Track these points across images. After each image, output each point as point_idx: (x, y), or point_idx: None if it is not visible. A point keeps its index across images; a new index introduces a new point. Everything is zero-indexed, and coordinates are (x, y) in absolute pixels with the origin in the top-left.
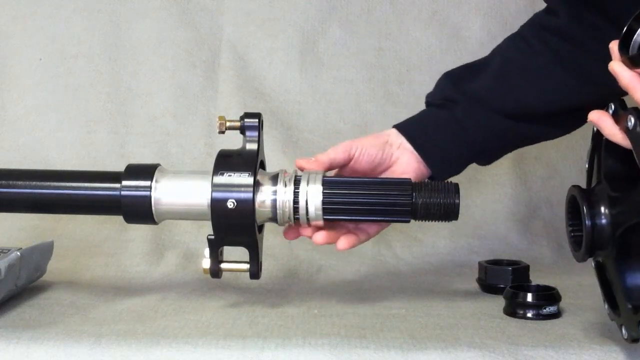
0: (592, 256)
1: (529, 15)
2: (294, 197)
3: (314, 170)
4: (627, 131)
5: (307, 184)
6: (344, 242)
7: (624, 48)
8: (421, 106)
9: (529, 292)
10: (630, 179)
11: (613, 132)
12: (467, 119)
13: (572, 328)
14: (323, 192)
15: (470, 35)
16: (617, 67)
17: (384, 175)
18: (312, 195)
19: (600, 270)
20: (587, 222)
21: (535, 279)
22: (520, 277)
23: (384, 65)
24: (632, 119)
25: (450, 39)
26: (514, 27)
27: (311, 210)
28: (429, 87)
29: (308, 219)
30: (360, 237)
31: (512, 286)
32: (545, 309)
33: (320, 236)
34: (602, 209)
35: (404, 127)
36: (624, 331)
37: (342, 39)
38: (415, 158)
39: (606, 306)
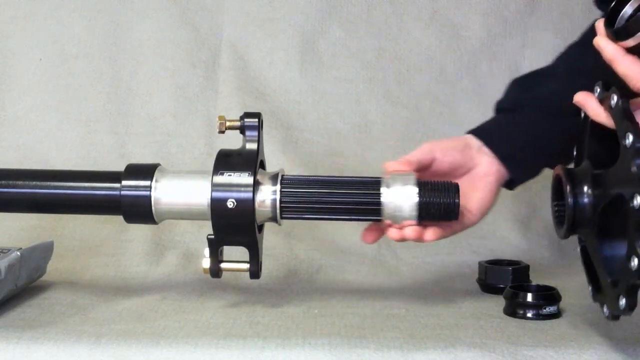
0: (574, 233)
1: (529, 15)
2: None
3: (405, 172)
4: (609, 110)
5: (400, 185)
6: (430, 233)
7: (609, 25)
8: (421, 106)
9: (529, 292)
10: (612, 158)
11: (597, 112)
12: (537, 123)
13: (572, 328)
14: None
15: (470, 35)
16: (602, 41)
17: (464, 178)
18: (408, 196)
19: (585, 253)
20: (569, 200)
21: (535, 279)
22: (520, 277)
23: (384, 65)
24: (615, 97)
25: (450, 39)
26: (514, 27)
27: (406, 209)
28: (429, 87)
29: (401, 219)
30: (446, 230)
31: (512, 286)
32: (545, 309)
33: (411, 231)
34: (585, 187)
35: (480, 132)
36: (605, 309)
37: (342, 39)
38: (496, 161)
39: (590, 288)
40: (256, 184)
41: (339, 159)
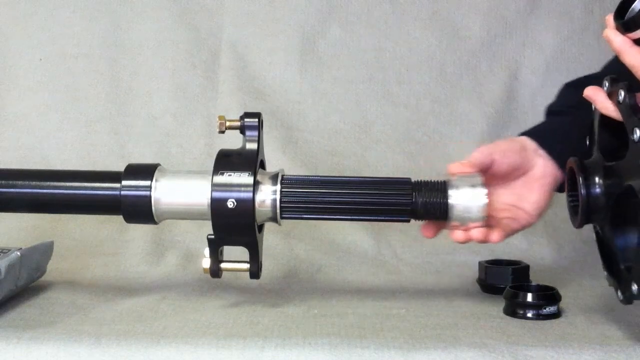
0: (588, 222)
1: (529, 15)
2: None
3: (470, 174)
4: (618, 104)
5: (468, 187)
6: (496, 235)
7: (619, 18)
8: (421, 106)
9: (529, 292)
10: (622, 149)
11: (606, 105)
12: (587, 123)
13: (572, 328)
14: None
15: (470, 35)
16: (610, 33)
17: (521, 180)
18: (476, 198)
19: (599, 238)
20: (582, 191)
21: (535, 279)
22: (520, 277)
23: (384, 65)
24: (622, 93)
25: (450, 39)
26: (514, 27)
27: (474, 211)
28: (429, 87)
29: (468, 220)
30: (507, 232)
31: (512, 286)
32: (545, 309)
33: (478, 232)
34: (597, 179)
35: (535, 134)
36: (619, 294)
37: (342, 39)
38: (552, 163)
39: (605, 273)
40: (256, 184)
41: (339, 159)
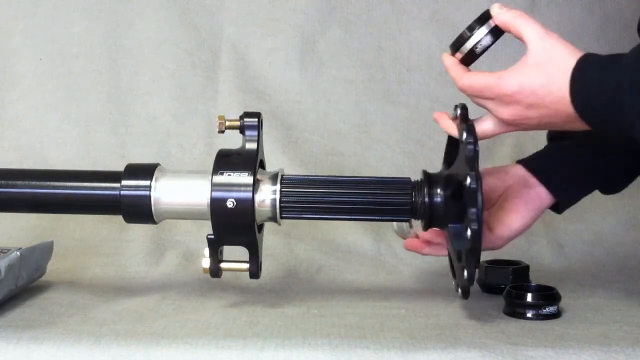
0: (432, 226)
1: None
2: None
3: None
4: (454, 120)
5: None
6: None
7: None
8: (421, 106)
9: (529, 292)
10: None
11: (448, 125)
12: (586, 148)
13: (572, 328)
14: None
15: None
16: (443, 56)
17: (498, 204)
18: None
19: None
20: (426, 199)
21: (535, 279)
22: (520, 277)
23: (384, 65)
24: (458, 109)
25: (450, 39)
26: None
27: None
28: (429, 87)
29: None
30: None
31: (512, 286)
32: (545, 309)
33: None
34: (438, 189)
35: (529, 162)
36: (459, 289)
37: (342, 39)
38: (533, 184)
39: (453, 282)
40: (256, 184)
41: (339, 158)
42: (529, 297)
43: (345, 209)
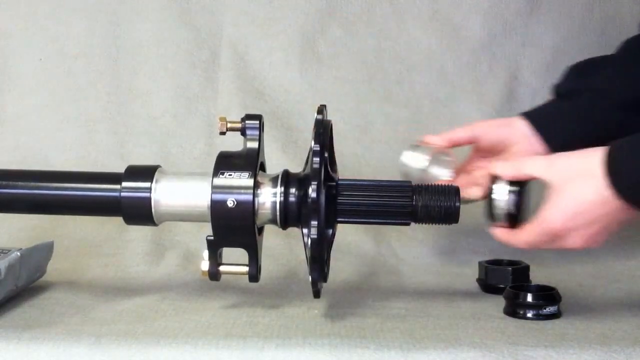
0: (288, 226)
1: (529, 15)
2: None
3: (439, 146)
4: None
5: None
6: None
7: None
8: (421, 106)
9: (529, 292)
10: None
11: None
12: (587, 110)
13: (572, 328)
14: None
15: (470, 35)
16: (492, 230)
17: (505, 156)
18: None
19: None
20: (281, 199)
21: (535, 279)
22: (520, 277)
23: (384, 65)
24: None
25: (450, 39)
26: (514, 27)
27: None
28: (429, 87)
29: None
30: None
31: (512, 286)
32: (545, 309)
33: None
34: (292, 189)
35: (529, 114)
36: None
37: (342, 39)
38: (537, 141)
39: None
40: (256, 186)
41: (339, 159)
42: (529, 297)
43: (348, 211)
